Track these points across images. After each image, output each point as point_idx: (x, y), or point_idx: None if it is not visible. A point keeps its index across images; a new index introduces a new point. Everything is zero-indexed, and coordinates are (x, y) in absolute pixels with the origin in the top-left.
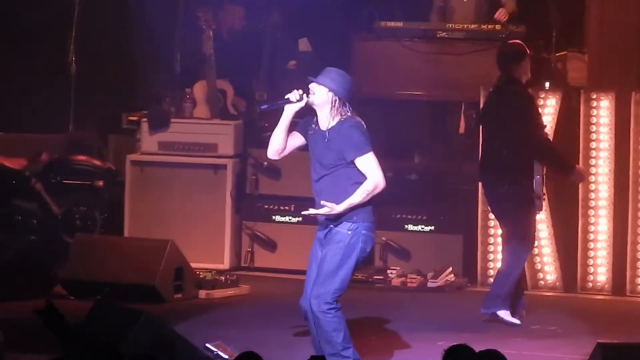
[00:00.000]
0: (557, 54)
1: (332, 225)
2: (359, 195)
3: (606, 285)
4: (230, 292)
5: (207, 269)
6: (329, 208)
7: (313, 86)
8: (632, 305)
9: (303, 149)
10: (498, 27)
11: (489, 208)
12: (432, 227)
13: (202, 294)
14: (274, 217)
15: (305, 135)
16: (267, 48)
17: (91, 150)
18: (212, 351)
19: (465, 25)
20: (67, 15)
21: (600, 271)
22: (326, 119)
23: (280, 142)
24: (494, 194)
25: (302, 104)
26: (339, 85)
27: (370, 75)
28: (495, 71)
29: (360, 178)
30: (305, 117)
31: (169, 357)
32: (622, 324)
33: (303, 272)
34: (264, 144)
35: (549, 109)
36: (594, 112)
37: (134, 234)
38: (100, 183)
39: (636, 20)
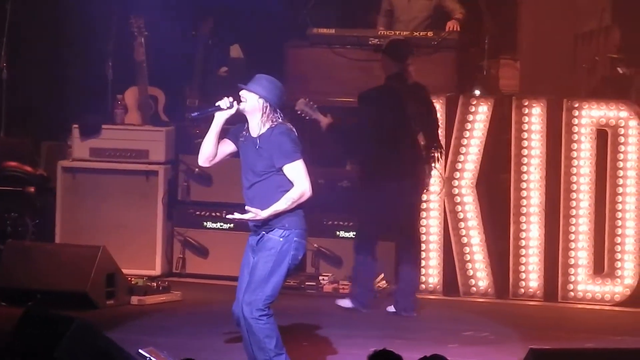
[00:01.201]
0: (490, 61)
1: (263, 232)
2: (283, 203)
3: (538, 292)
4: (162, 298)
5: (139, 275)
6: (253, 213)
7: (244, 93)
8: (563, 311)
9: (234, 156)
10: (430, 34)
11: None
12: None
13: (134, 300)
14: (205, 223)
15: (236, 142)
16: (199, 55)
17: (23, 156)
18: (145, 357)
19: (398, 32)
20: None
21: (532, 277)
22: (257, 125)
23: (211, 150)
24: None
25: (232, 111)
26: (270, 92)
27: (303, 82)
28: (425, 78)
29: (289, 186)
30: (237, 124)
31: None
32: (554, 330)
33: (235, 279)
34: (196, 151)
35: (480, 115)
36: (526, 119)
37: (66, 241)
38: (32, 189)
39: (567, 27)
